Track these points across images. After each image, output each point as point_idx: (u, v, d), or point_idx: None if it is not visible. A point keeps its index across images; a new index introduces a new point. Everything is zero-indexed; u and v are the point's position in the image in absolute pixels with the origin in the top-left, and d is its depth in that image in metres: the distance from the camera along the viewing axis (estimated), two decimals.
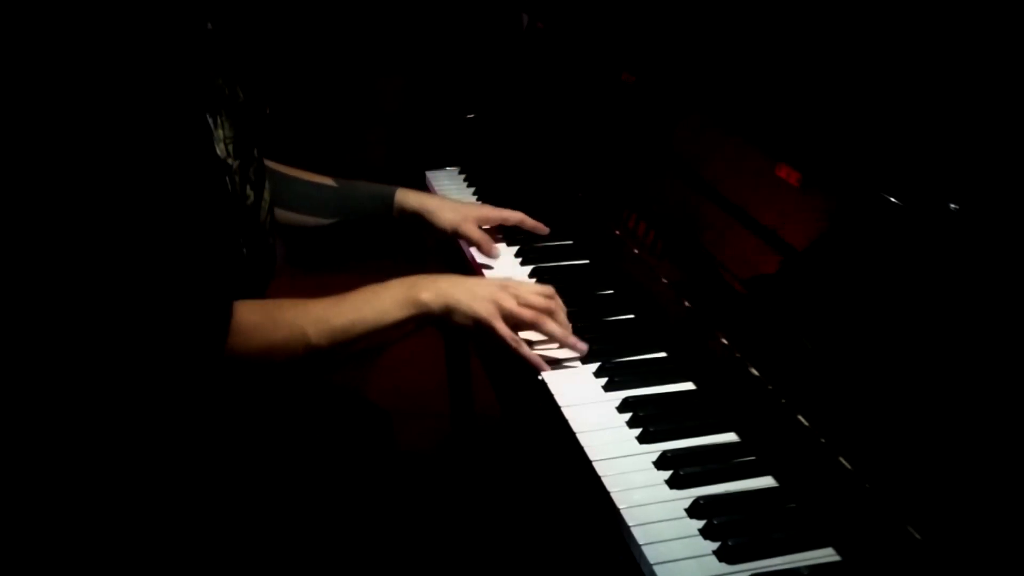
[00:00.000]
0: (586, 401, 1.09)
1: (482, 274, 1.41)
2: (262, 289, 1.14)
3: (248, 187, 1.07)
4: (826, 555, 0.86)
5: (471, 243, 1.43)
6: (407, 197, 1.45)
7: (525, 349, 1.14)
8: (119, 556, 0.99)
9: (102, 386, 0.97)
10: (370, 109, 3.34)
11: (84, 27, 0.89)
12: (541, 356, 1.14)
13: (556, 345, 1.17)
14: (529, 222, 1.49)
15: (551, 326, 1.15)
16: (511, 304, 1.14)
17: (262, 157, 1.13)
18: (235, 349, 0.99)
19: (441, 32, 2.84)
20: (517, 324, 1.14)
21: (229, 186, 1.04)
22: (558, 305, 1.18)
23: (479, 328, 1.13)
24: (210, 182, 1.00)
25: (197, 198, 0.97)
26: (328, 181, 1.43)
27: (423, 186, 1.83)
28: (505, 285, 1.17)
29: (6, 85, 0.89)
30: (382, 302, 1.10)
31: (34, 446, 0.99)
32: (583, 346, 1.16)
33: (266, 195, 1.14)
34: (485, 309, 1.13)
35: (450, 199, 1.51)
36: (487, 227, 1.48)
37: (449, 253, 1.55)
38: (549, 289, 1.19)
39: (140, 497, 1.01)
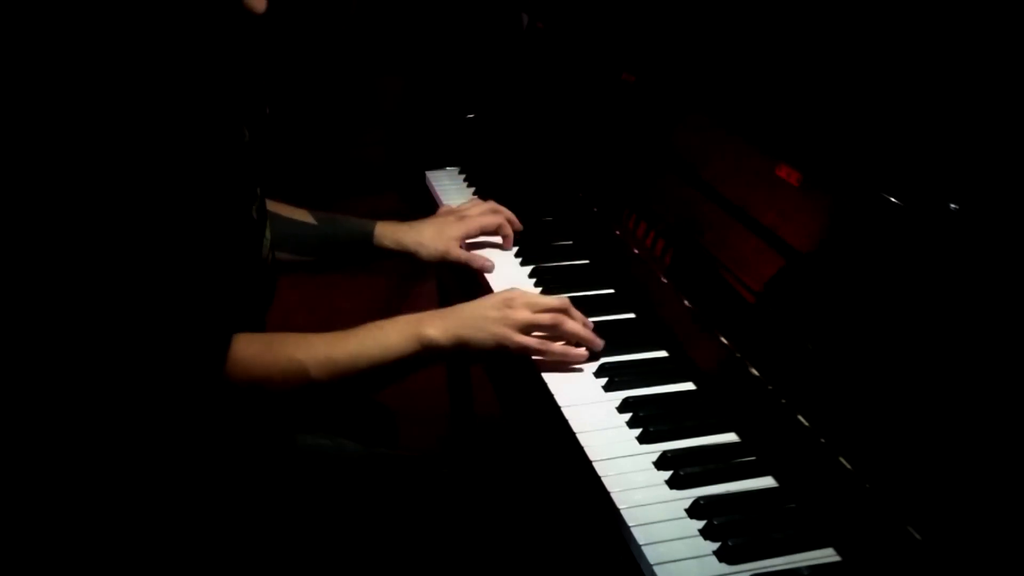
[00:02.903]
0: (586, 401, 1.09)
1: (484, 279, 1.41)
2: (260, 321, 1.13)
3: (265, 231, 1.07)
4: (826, 555, 0.86)
5: (461, 265, 1.42)
6: (384, 236, 1.42)
7: (556, 348, 1.14)
8: (122, 558, 0.99)
9: (101, 401, 0.96)
10: (370, 109, 3.34)
11: (134, 55, 0.89)
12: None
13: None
14: (507, 229, 1.47)
15: (570, 325, 1.15)
16: (524, 314, 1.13)
17: (263, 195, 1.13)
18: (231, 379, 0.97)
19: (441, 32, 2.84)
20: (535, 331, 1.14)
21: (241, 226, 1.03)
22: (570, 304, 1.17)
23: (501, 349, 1.11)
24: (225, 218, 0.99)
25: (209, 232, 0.95)
26: (308, 218, 1.40)
27: (423, 186, 1.83)
28: (511, 298, 1.15)
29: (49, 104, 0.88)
30: (387, 337, 1.07)
31: (33, 453, 0.99)
32: (600, 342, 1.16)
33: (268, 233, 1.13)
34: (500, 331, 1.11)
35: (427, 226, 1.46)
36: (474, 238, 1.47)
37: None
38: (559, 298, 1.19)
39: (143, 497, 1.00)
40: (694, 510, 0.90)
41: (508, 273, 1.42)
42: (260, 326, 1.12)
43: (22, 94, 0.88)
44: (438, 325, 1.09)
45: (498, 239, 1.49)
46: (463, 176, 1.83)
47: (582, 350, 1.15)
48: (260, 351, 1.00)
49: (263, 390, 1.00)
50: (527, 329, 1.13)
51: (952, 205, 0.87)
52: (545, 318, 1.14)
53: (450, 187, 1.78)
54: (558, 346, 1.14)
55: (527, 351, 1.13)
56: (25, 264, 0.91)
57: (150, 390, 0.94)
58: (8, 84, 0.88)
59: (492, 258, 1.44)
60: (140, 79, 0.89)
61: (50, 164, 0.87)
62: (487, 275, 1.41)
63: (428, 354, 1.09)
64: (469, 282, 1.43)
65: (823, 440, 0.90)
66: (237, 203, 1.02)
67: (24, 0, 0.89)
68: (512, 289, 1.18)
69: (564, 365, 1.15)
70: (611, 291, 1.35)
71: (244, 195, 1.04)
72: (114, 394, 0.94)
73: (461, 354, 1.11)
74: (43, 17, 0.88)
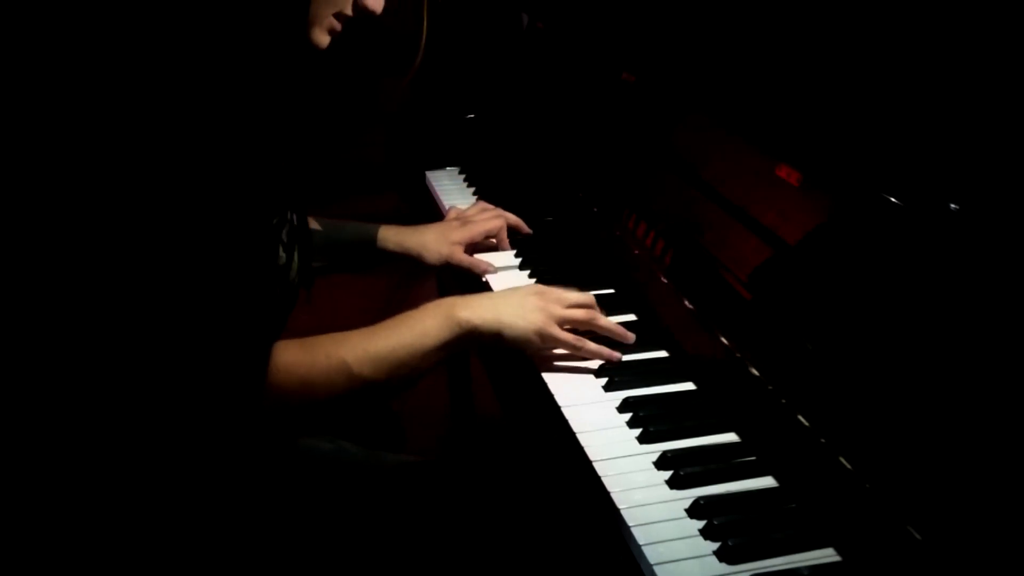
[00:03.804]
0: (586, 401, 1.09)
1: (485, 280, 1.41)
2: (277, 332, 1.13)
3: (281, 248, 1.08)
4: (826, 555, 0.86)
5: (464, 270, 1.43)
6: (387, 239, 1.43)
7: (591, 345, 1.14)
8: (124, 559, 0.99)
9: (135, 410, 0.96)
10: (370, 109, 3.33)
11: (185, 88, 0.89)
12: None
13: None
14: (503, 233, 1.48)
15: (602, 321, 1.17)
16: (559, 309, 1.13)
17: (295, 218, 1.13)
18: (274, 389, 0.97)
19: (441, 32, 2.83)
20: (568, 325, 1.14)
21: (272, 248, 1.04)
22: (594, 300, 1.19)
23: (542, 339, 1.11)
24: (259, 234, 1.00)
25: (248, 245, 0.96)
26: (313, 224, 1.39)
27: (423, 186, 1.83)
28: (542, 291, 1.16)
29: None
30: (422, 324, 1.07)
31: (48, 455, 0.98)
32: (631, 336, 1.18)
33: (296, 256, 1.13)
34: (540, 319, 1.11)
35: (430, 230, 1.47)
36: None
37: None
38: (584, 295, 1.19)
39: (147, 498, 1.00)
40: (694, 510, 0.90)
41: (508, 273, 1.42)
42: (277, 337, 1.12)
43: (80, 111, 0.88)
44: (470, 309, 1.09)
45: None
46: (463, 176, 1.83)
47: (616, 353, 1.15)
48: (298, 354, 1.00)
49: (308, 392, 1.00)
50: (562, 323, 1.13)
51: (952, 205, 0.87)
52: (579, 314, 1.15)
53: (450, 187, 1.78)
54: (593, 344, 1.14)
55: (564, 346, 1.13)
56: (71, 277, 0.91)
57: (193, 402, 0.93)
58: (65, 102, 0.88)
59: (492, 258, 1.45)
60: (197, 104, 0.89)
61: (99, 178, 0.87)
62: (488, 277, 1.41)
63: (466, 338, 1.08)
64: (469, 282, 1.43)
65: (823, 440, 0.90)
66: (267, 221, 1.02)
67: (93, 25, 0.89)
68: (533, 284, 1.18)
69: (600, 358, 1.15)
70: (611, 291, 1.35)
71: (272, 212, 1.04)
72: (155, 405, 0.94)
73: (497, 341, 1.10)
74: (109, 36, 0.89)
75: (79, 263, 0.90)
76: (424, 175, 1.85)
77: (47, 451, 0.97)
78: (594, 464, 0.98)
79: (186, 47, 0.91)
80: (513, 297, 1.14)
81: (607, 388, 1.11)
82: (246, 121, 0.94)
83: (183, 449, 0.98)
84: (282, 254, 1.08)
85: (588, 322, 1.16)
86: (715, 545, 0.86)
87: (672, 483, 0.95)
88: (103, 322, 0.91)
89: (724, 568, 0.84)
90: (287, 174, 1.07)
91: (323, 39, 1.02)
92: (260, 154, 0.97)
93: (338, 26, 1.03)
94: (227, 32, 0.93)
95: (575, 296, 1.17)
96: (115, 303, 0.90)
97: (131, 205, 0.88)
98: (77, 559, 0.98)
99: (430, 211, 1.75)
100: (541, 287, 1.18)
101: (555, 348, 1.14)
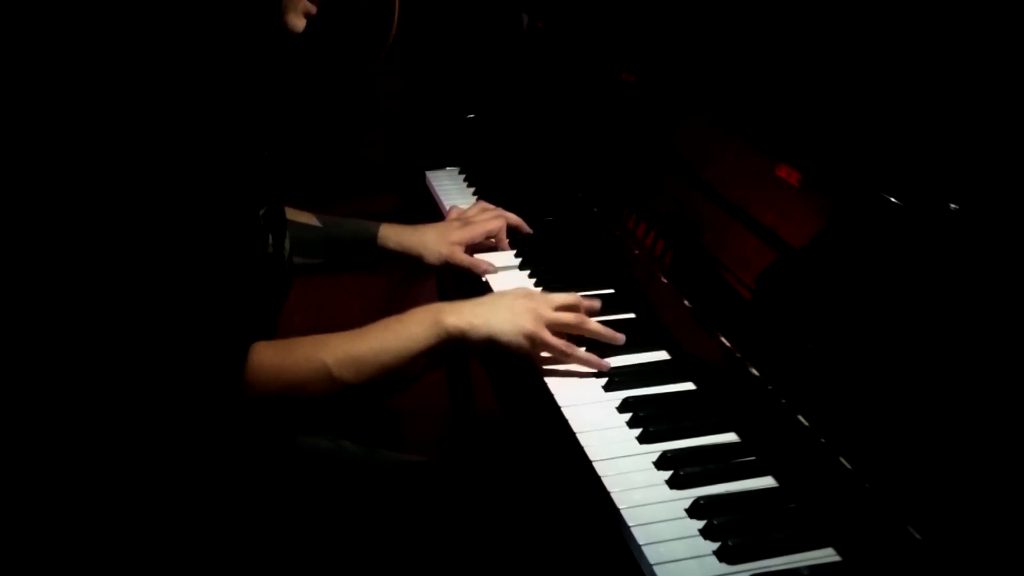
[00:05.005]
0: (586, 401, 1.09)
1: (484, 280, 1.41)
2: (272, 327, 1.13)
3: (270, 236, 1.07)
4: (826, 555, 0.86)
5: (464, 269, 1.43)
6: (388, 238, 1.43)
7: (581, 353, 1.13)
8: (122, 559, 0.99)
9: (117, 407, 0.95)
10: (370, 109, 3.33)
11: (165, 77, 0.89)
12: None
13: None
14: (503, 233, 1.48)
15: (591, 324, 1.16)
16: (548, 312, 1.13)
17: (280, 204, 1.13)
18: (253, 390, 0.96)
19: (441, 32, 2.84)
20: (558, 329, 1.13)
21: (258, 237, 1.03)
22: (583, 300, 1.18)
23: (532, 344, 1.10)
24: (243, 228, 0.99)
25: (229, 243, 0.95)
26: (312, 220, 1.40)
27: (423, 186, 1.83)
28: (531, 294, 1.16)
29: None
30: (407, 329, 1.06)
31: (41, 454, 0.98)
32: (621, 337, 1.17)
33: (287, 243, 1.12)
34: (529, 323, 1.10)
35: (430, 229, 1.47)
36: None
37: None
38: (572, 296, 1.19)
39: (144, 498, 1.00)
40: (694, 510, 0.90)
41: (508, 273, 1.43)
42: (271, 333, 1.12)
43: (58, 105, 0.88)
44: (460, 315, 1.08)
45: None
46: (463, 176, 1.83)
47: (606, 362, 1.14)
48: (278, 355, 0.99)
49: (286, 394, 0.99)
50: (551, 326, 1.12)
51: (952, 205, 0.87)
52: (569, 317, 1.14)
53: (450, 187, 1.78)
54: (583, 352, 1.14)
55: (555, 351, 1.12)
56: (44, 273, 0.90)
57: (169, 400, 0.93)
58: (48, 96, 0.88)
59: (492, 258, 1.45)
60: (174, 94, 0.89)
61: (75, 172, 0.87)
62: (488, 277, 1.41)
63: (452, 344, 1.07)
64: (469, 282, 1.43)
65: (823, 440, 0.90)
66: (251, 214, 1.02)
67: (73, 21, 0.89)
68: (521, 288, 1.18)
69: (590, 366, 1.14)
70: (611, 291, 1.35)
71: (257, 206, 1.04)
72: (131, 402, 0.94)
73: (486, 346, 1.09)
74: (89, 33, 0.89)
75: (57, 252, 0.89)
76: (424, 175, 1.85)
77: (29, 448, 0.97)
78: (594, 464, 0.98)
79: (161, 32, 0.90)
80: (502, 301, 1.13)
81: (607, 388, 1.11)
82: (224, 108, 0.94)
83: (167, 445, 0.98)
84: (270, 241, 1.08)
85: (578, 325, 1.15)
86: (715, 545, 0.86)
87: (672, 483, 0.95)
88: (82, 313, 0.91)
89: (724, 568, 0.84)
90: (271, 162, 1.07)
91: (299, 23, 1.02)
92: (242, 142, 0.97)
93: (313, 9, 1.02)
94: (203, 17, 0.93)
95: (564, 298, 1.16)
96: (95, 294, 0.90)
97: (110, 195, 0.87)
98: (71, 558, 0.98)
99: (430, 211, 1.75)
100: (531, 290, 1.18)
101: (545, 352, 1.13)
